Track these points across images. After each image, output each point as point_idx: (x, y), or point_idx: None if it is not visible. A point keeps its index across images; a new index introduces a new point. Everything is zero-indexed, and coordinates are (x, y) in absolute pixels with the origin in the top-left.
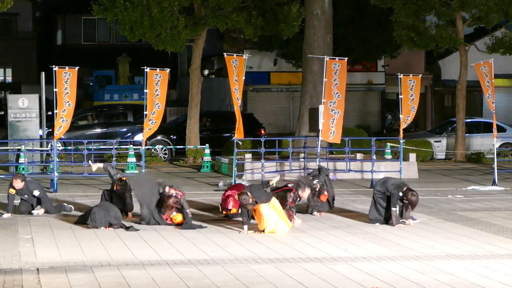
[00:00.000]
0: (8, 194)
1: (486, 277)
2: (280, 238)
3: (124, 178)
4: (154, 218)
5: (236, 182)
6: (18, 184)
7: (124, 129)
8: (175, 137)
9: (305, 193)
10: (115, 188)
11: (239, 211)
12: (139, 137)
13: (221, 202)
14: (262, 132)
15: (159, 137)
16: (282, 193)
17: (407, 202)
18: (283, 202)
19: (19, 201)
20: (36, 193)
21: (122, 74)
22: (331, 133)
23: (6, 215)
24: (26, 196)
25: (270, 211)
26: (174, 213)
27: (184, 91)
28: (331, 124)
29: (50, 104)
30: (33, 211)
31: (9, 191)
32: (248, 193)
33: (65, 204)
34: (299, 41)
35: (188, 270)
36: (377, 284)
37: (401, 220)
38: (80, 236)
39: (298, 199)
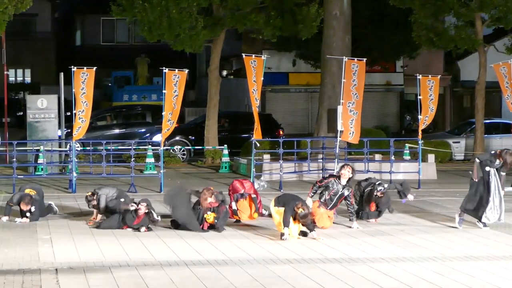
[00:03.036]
0: (8, 205)
1: (504, 278)
2: (298, 238)
3: (89, 193)
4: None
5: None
6: (25, 207)
7: (143, 130)
8: (193, 137)
9: (342, 180)
10: (24, 208)
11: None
12: (157, 138)
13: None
14: (281, 132)
15: (177, 138)
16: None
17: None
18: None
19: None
20: (32, 209)
21: (141, 75)
22: (350, 133)
23: (5, 218)
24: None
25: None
26: (208, 212)
27: (203, 92)
28: (349, 124)
29: (69, 105)
30: (16, 219)
31: (9, 203)
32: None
33: (52, 205)
34: (317, 42)
35: (206, 270)
36: (396, 285)
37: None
38: (98, 237)
39: (333, 186)
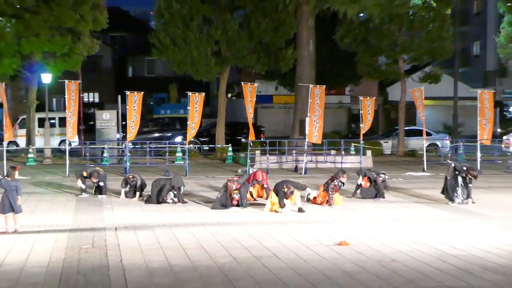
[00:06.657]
0: (79, 179)
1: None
2: (291, 215)
3: (130, 176)
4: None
5: (251, 171)
6: (94, 179)
7: (174, 134)
8: (204, 139)
9: (344, 178)
10: (93, 180)
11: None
12: (178, 139)
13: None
14: (262, 136)
15: (192, 139)
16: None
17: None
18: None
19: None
20: (101, 184)
21: (172, 96)
22: (314, 136)
23: (85, 195)
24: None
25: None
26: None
27: (214, 108)
28: (314, 130)
29: (124, 117)
30: (98, 195)
31: (82, 173)
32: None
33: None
34: (292, 74)
35: (216, 229)
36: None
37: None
38: (145, 207)
39: (341, 185)
